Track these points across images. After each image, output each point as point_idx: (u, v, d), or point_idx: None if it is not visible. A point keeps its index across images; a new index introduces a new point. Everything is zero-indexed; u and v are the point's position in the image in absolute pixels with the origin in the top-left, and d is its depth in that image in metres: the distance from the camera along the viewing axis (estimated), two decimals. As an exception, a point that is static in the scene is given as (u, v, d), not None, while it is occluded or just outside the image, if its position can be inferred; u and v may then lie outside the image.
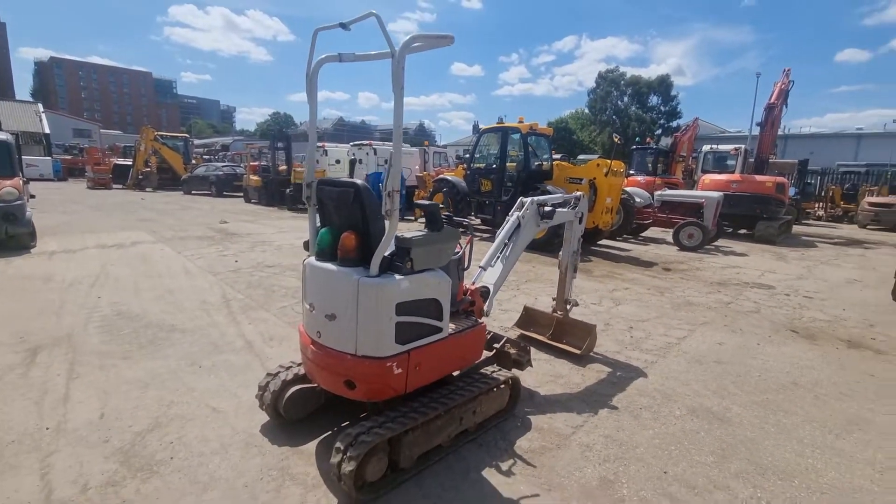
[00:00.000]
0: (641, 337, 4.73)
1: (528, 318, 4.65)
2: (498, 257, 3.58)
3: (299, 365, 2.95)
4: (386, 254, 2.32)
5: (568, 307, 4.38)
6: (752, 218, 12.02)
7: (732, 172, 13.07)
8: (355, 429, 2.29)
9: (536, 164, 9.86)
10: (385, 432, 2.27)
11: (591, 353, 4.17)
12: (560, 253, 4.38)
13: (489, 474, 2.50)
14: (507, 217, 3.75)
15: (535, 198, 3.80)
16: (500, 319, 5.00)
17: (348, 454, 2.16)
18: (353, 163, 15.06)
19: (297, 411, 2.80)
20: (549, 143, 10.42)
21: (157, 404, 3.04)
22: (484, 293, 3.32)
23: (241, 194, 18.75)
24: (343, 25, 2.31)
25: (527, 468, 2.57)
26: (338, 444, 2.23)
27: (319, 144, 17.55)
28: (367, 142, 15.44)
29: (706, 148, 14.45)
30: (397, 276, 2.32)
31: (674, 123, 54.80)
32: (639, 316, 5.44)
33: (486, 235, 11.11)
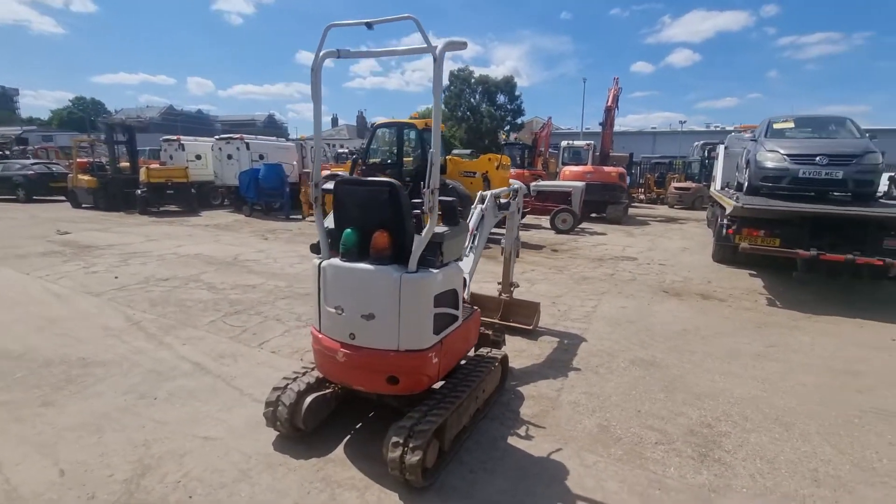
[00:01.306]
0: (565, 309, 5.47)
1: (476, 303, 5.00)
2: (469, 248, 3.83)
3: (305, 373, 2.83)
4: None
5: (512, 289, 4.86)
6: (602, 203, 14.27)
7: (586, 164, 15.33)
8: (406, 422, 2.35)
9: (433, 159, 10.25)
10: (436, 419, 2.39)
11: (538, 328, 4.71)
12: (503, 241, 4.82)
13: (514, 441, 2.79)
14: (471, 210, 4.01)
15: (492, 191, 4.14)
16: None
17: (411, 445, 2.24)
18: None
19: (315, 420, 2.70)
20: (443, 140, 10.92)
21: (129, 446, 2.60)
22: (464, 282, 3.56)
23: (65, 198, 15.36)
24: (368, 25, 2.30)
25: (539, 430, 2.92)
26: (394, 439, 2.28)
27: (173, 138, 15.36)
28: (238, 136, 13.99)
29: (565, 143, 16.69)
30: (433, 270, 2.44)
31: (519, 120, 61.05)
32: (553, 292, 6.23)
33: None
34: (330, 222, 2.70)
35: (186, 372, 3.53)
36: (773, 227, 6.55)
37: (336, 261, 2.52)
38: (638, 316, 5.30)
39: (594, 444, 2.80)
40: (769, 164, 7.83)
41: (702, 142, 29.90)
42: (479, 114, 60.97)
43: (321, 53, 2.43)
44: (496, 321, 4.70)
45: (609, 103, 15.70)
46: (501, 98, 61.51)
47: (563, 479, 2.46)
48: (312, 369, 2.90)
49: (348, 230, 2.51)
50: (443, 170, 10.33)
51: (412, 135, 10.07)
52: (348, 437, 2.77)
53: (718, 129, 51.65)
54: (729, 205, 6.93)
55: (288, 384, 2.71)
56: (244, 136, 14.21)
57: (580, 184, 12.35)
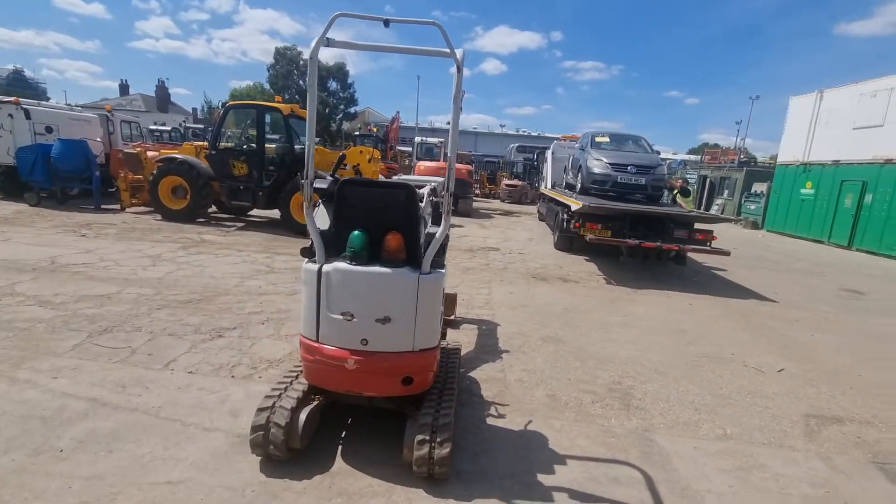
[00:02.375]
0: (467, 299, 5.94)
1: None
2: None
3: (287, 388, 2.59)
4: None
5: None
6: (455, 197, 15.41)
7: (439, 160, 16.26)
8: (423, 419, 2.42)
9: (299, 147, 9.60)
10: (450, 412, 2.51)
11: (456, 317, 5.05)
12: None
13: (492, 422, 3.08)
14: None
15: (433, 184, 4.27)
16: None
17: (438, 440, 2.32)
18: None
19: (309, 437, 2.51)
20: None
21: (65, 515, 2.01)
22: None
23: None
24: (386, 22, 2.23)
25: (505, 408, 3.27)
26: (420, 437, 2.34)
27: (9, 99, 10.76)
28: (12, 98, 10.50)
29: (419, 139, 17.32)
30: (441, 270, 2.52)
31: (352, 110, 60.23)
32: (448, 283, 6.66)
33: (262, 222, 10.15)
34: (321, 223, 2.52)
35: (85, 412, 2.78)
36: (606, 222, 8.19)
37: (343, 264, 2.38)
38: (526, 300, 6.10)
39: (553, 412, 3.28)
40: (597, 171, 9.73)
41: (516, 145, 34.44)
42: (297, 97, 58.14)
43: (322, 38, 2.25)
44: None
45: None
46: (333, 84, 59.65)
47: (547, 445, 2.86)
48: (291, 383, 2.67)
49: (357, 232, 2.40)
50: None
51: (275, 119, 9.23)
52: (339, 446, 2.65)
53: (525, 133, 59.95)
54: (576, 204, 8.37)
55: (275, 402, 2.45)
56: (20, 99, 10.83)
57: (440, 179, 13.10)
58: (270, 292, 5.47)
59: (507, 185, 23.19)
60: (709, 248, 7.97)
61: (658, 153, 10.97)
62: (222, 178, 9.45)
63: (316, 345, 2.44)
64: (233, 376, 3.39)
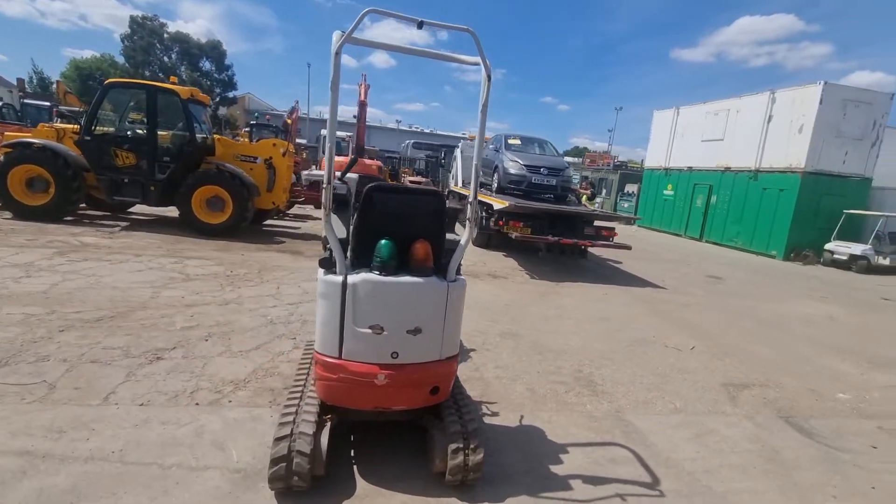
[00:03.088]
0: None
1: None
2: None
3: (297, 411, 2.37)
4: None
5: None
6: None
7: (347, 156, 15.65)
8: (453, 427, 2.40)
9: (201, 137, 8.53)
10: (475, 417, 2.53)
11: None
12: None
13: (488, 420, 3.16)
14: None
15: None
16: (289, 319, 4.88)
17: (472, 446, 2.34)
18: None
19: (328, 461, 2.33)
20: (207, 113, 9.15)
21: None
22: None
23: None
24: (420, 24, 2.14)
25: (494, 405, 3.38)
26: (454, 446, 2.32)
27: None
28: None
29: (323, 132, 16.39)
30: (462, 276, 2.52)
31: (231, 94, 54.78)
32: None
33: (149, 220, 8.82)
34: (338, 231, 2.33)
35: (21, 469, 2.21)
36: (527, 220, 8.76)
37: (372, 276, 2.24)
38: (473, 299, 6.28)
39: (537, 405, 3.47)
40: (513, 171, 10.32)
41: (412, 141, 34.70)
42: (179, 78, 51.56)
43: (350, 34, 2.09)
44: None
45: (362, 98, 16.45)
46: (207, 64, 53.66)
47: (545, 437, 3.03)
48: (300, 405, 2.44)
49: (385, 241, 2.27)
50: (211, 150, 8.75)
51: (170, 104, 8.07)
52: (354, 466, 2.51)
53: (419, 129, 60.65)
54: (501, 203, 8.79)
55: (293, 430, 2.22)
56: None
57: (355, 176, 12.66)
58: (198, 303, 4.83)
59: (411, 182, 23.29)
60: (613, 243, 9.00)
61: (563, 155, 12.00)
62: (100, 169, 7.98)
63: (339, 362, 2.27)
64: (197, 403, 2.96)
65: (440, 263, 2.42)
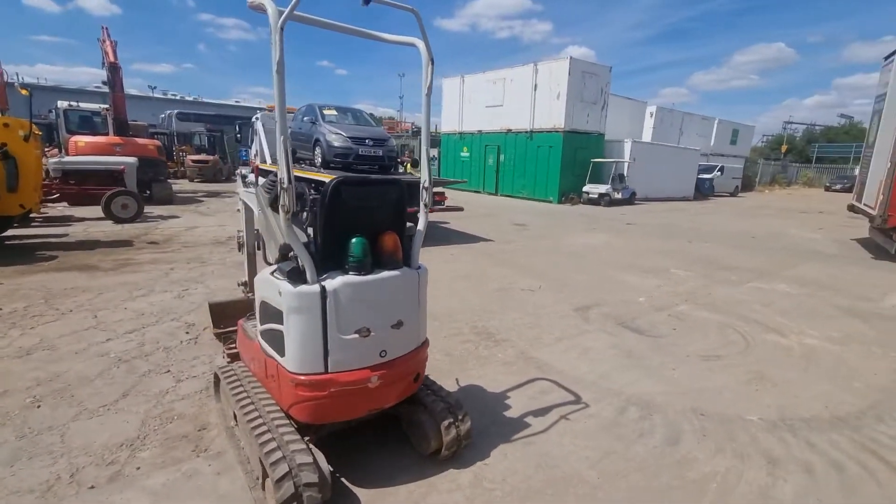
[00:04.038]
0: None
1: (221, 313, 4.17)
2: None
3: (287, 440, 2.09)
4: None
5: (259, 286, 4.43)
6: (145, 182, 12.35)
7: (108, 134, 12.30)
8: (439, 406, 2.48)
9: None
10: (446, 390, 2.65)
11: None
12: (243, 234, 4.24)
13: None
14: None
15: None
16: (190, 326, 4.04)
17: (460, 418, 2.47)
18: None
19: (326, 483, 2.14)
20: None
21: None
22: None
23: None
24: (366, 1, 1.94)
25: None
26: (446, 422, 2.42)
27: None
28: None
29: (64, 104, 12.24)
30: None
31: None
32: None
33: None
34: (300, 235, 2.03)
35: None
36: (366, 193, 8.70)
37: (350, 278, 2.06)
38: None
39: (462, 365, 3.76)
40: (337, 144, 9.97)
41: (176, 111, 29.25)
42: None
43: (292, 10, 1.79)
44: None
45: (112, 59, 13.07)
46: None
47: (485, 390, 3.36)
48: (269, 436, 2.13)
49: (358, 239, 2.09)
50: None
51: None
52: (341, 479, 2.36)
53: (178, 97, 51.22)
54: (330, 178, 8.44)
55: (290, 464, 1.96)
56: None
57: (132, 159, 10.23)
58: (-16, 361, 3.45)
59: (194, 162, 19.99)
60: (445, 206, 9.74)
61: (379, 125, 12.08)
62: None
63: (327, 377, 2.07)
64: (92, 486, 2.25)
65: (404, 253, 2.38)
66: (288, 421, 2.22)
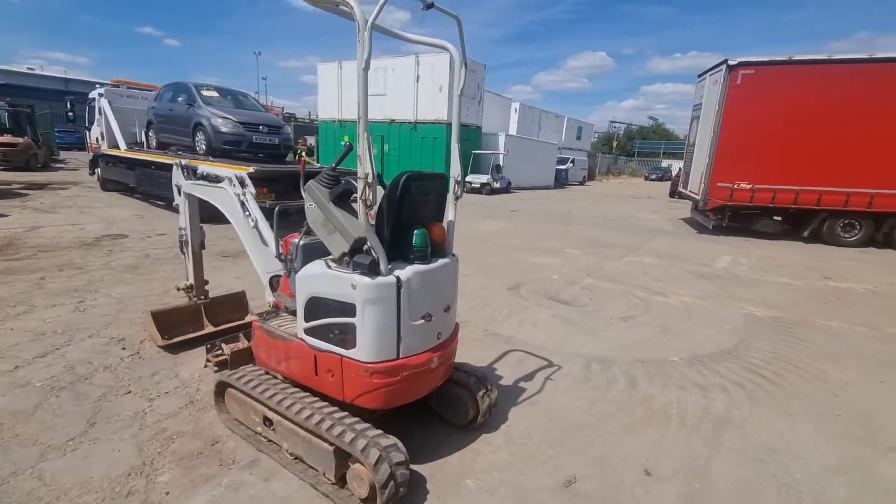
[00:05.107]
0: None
1: (166, 322, 3.70)
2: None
3: (365, 428, 2.14)
4: None
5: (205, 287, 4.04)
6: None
7: None
8: (471, 379, 2.74)
9: None
10: (467, 364, 2.91)
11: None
12: (187, 232, 3.82)
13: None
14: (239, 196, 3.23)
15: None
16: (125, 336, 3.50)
17: (489, 388, 2.77)
18: None
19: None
20: None
21: None
22: None
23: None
24: (429, 6, 2.05)
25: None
26: (480, 393, 2.69)
27: None
28: None
29: None
30: None
31: None
32: (144, 284, 5.11)
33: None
34: (358, 228, 2.07)
35: None
36: (270, 185, 8.16)
37: (418, 267, 2.18)
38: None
39: (440, 347, 4.01)
40: (225, 130, 9.11)
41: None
42: None
43: (376, 17, 1.86)
44: (211, 331, 3.89)
45: None
46: None
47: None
48: (340, 430, 2.15)
49: (420, 230, 2.21)
50: None
51: None
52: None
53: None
54: (243, 169, 7.71)
55: (380, 450, 2.03)
56: None
57: None
58: None
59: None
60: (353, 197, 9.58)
61: (267, 109, 11.22)
62: None
63: (400, 362, 2.17)
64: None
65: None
66: (345, 412, 2.25)
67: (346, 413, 2.24)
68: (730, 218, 10.65)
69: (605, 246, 9.20)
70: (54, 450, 2.42)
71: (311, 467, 2.29)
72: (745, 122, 9.86)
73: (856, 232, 9.90)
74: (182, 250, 3.94)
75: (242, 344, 3.14)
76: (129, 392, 3.02)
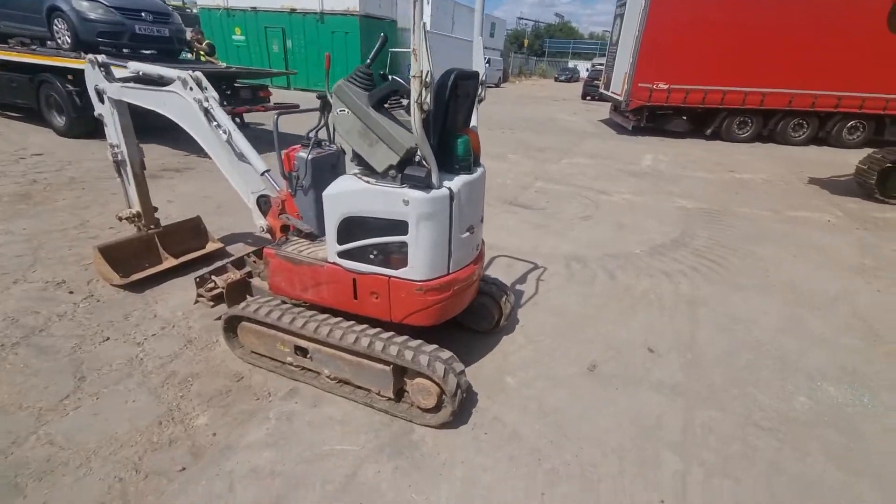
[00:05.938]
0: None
1: (116, 257, 3.19)
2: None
3: (416, 348, 2.13)
4: None
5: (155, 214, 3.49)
6: None
7: None
8: (493, 288, 2.79)
9: None
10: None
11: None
12: (122, 150, 3.17)
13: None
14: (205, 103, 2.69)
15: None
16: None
17: (508, 293, 2.86)
18: None
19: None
20: None
21: None
22: None
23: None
24: None
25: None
26: (503, 299, 2.78)
27: None
28: None
29: None
30: None
31: None
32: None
33: None
34: (408, 137, 1.85)
35: None
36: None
37: (465, 177, 2.04)
38: (212, 192, 5.07)
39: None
40: (95, 16, 7.27)
41: None
42: None
43: None
44: (172, 264, 3.45)
45: None
46: None
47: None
48: (396, 347, 2.13)
49: (463, 138, 2.03)
50: None
51: None
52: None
53: None
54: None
55: (443, 363, 2.05)
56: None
57: None
58: None
59: None
60: (274, 105, 8.49)
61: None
62: None
63: (451, 277, 2.13)
64: (184, 469, 1.86)
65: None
66: (390, 332, 2.21)
67: (392, 333, 2.20)
68: (647, 118, 11.33)
69: (541, 150, 9.41)
70: (50, 411, 2.10)
71: (360, 387, 2.27)
72: (669, 23, 10.11)
73: (748, 129, 11.17)
74: (119, 173, 3.29)
75: (234, 275, 2.83)
76: (108, 339, 2.64)
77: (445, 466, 1.96)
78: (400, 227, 1.97)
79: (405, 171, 1.89)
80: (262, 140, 8.46)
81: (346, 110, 1.92)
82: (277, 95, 10.15)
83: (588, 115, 15.99)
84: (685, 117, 11.61)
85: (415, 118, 1.76)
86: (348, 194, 2.02)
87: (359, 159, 2.08)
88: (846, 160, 9.07)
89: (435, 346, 2.16)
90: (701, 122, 11.48)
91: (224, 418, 2.13)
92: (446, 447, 2.05)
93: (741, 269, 4.13)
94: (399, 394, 2.22)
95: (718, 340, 3.01)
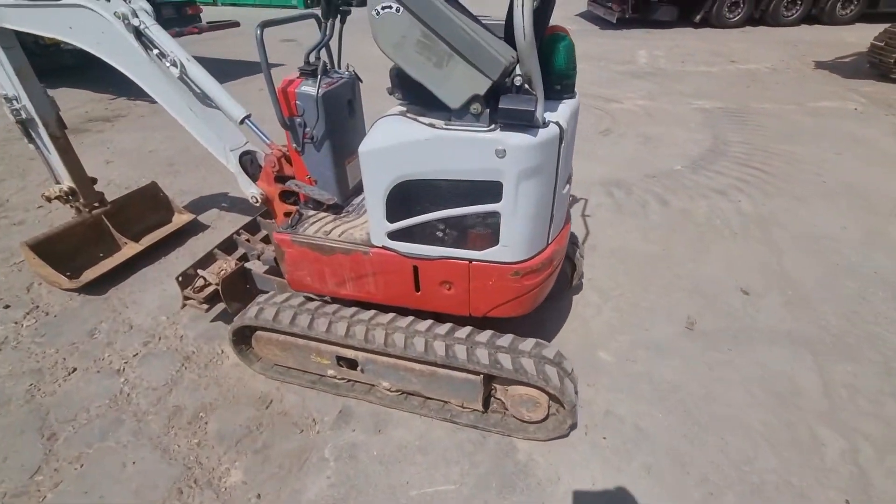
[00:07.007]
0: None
1: (56, 254, 2.41)
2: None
3: (509, 339, 1.60)
4: None
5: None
6: None
7: None
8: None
9: None
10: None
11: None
12: (24, 103, 2.25)
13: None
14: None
15: None
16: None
17: (579, 245, 2.31)
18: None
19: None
20: None
21: None
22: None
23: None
24: None
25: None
26: (576, 255, 2.24)
27: None
28: None
29: None
30: None
31: None
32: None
33: None
34: (506, 47, 1.15)
35: None
36: None
37: (570, 103, 1.39)
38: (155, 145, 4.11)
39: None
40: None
41: None
42: None
43: None
44: (136, 250, 2.69)
45: None
46: None
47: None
48: (488, 337, 1.60)
49: (566, 40, 1.33)
50: None
51: None
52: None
53: None
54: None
55: (551, 358, 1.54)
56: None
57: None
58: None
59: None
60: (208, 25, 7.01)
61: None
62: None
63: (549, 252, 1.54)
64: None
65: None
66: (462, 326, 1.66)
67: (468, 327, 1.65)
68: (632, 8, 10.23)
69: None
70: (18, 498, 1.50)
71: (430, 398, 1.75)
72: None
73: (739, 11, 10.28)
74: (28, 136, 2.38)
75: (226, 264, 2.13)
76: (75, 371, 1.98)
77: (577, 497, 1.52)
78: (489, 190, 1.32)
79: (502, 102, 1.20)
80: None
81: (397, 6, 1.15)
82: (208, 13, 8.48)
83: (559, 11, 14.50)
84: (674, 4, 10.55)
85: (523, 17, 1.05)
86: (403, 147, 1.32)
87: (404, 90, 1.36)
88: (842, 38, 8.54)
89: (532, 340, 1.62)
90: (689, 8, 10.48)
91: (265, 467, 1.60)
92: (565, 466, 1.61)
93: (791, 176, 3.69)
94: (486, 401, 1.72)
95: (811, 267, 2.61)
